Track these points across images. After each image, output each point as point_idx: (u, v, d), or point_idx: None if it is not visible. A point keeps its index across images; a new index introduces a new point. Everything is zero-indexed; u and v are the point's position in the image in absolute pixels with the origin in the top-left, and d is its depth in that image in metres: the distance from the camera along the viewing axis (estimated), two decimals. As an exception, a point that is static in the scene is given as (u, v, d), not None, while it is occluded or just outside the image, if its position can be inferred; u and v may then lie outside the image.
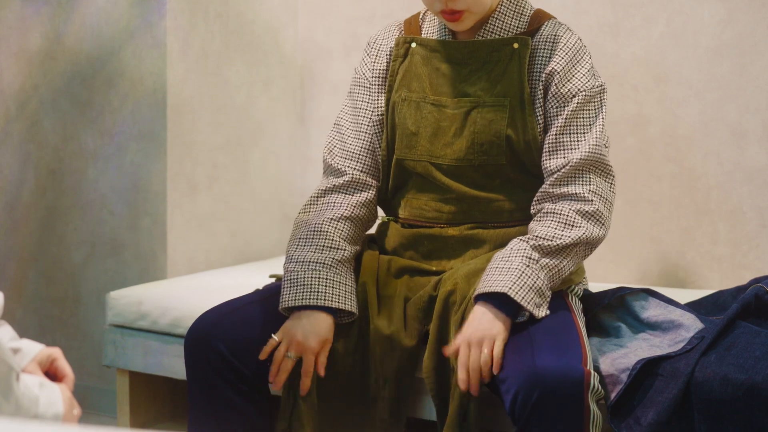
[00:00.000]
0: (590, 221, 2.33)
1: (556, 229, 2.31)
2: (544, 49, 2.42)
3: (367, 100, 2.54)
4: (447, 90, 2.44)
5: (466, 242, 2.45)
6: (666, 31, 3.17)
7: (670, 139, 3.18)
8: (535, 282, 2.26)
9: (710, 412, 2.16)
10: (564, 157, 2.36)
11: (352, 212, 2.47)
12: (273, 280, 2.68)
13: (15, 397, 1.67)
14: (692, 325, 2.34)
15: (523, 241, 2.31)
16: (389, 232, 2.53)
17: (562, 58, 2.40)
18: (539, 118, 2.40)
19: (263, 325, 2.40)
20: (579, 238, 2.31)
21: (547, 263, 2.29)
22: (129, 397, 3.06)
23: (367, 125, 2.53)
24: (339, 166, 2.51)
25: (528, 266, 2.26)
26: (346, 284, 2.37)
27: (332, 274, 2.36)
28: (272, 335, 2.34)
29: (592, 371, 2.16)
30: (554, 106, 2.40)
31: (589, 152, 2.35)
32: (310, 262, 2.37)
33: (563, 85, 2.39)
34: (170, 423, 3.19)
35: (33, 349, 1.92)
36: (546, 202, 2.37)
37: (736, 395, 2.14)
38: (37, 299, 3.60)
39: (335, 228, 2.43)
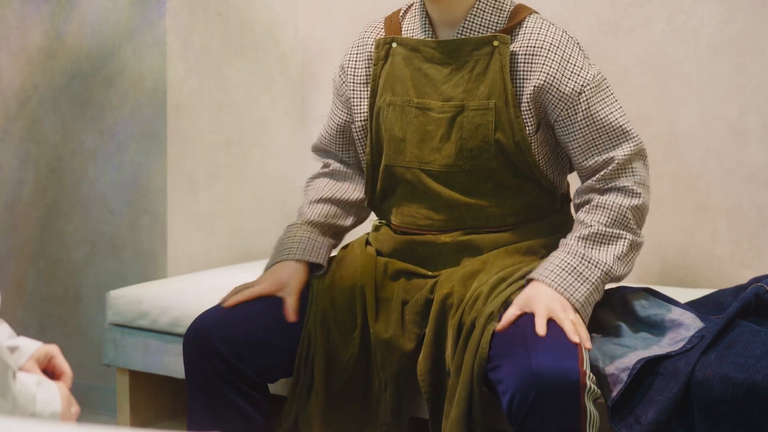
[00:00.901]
0: (639, 220, 2.39)
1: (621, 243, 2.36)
2: (529, 47, 2.37)
3: (339, 106, 2.60)
4: (430, 92, 2.41)
5: (460, 249, 2.43)
6: (666, 30, 3.17)
7: (670, 138, 3.18)
8: (596, 298, 2.32)
9: (710, 411, 2.16)
10: (604, 154, 2.37)
11: (332, 194, 2.58)
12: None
13: (12, 396, 1.67)
14: (692, 324, 2.34)
15: (606, 250, 2.34)
16: (383, 236, 2.52)
17: (554, 58, 2.36)
18: (528, 119, 2.37)
19: (263, 324, 2.40)
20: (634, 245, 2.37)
21: (613, 277, 2.34)
22: (129, 396, 3.06)
23: (336, 131, 2.60)
24: (323, 159, 2.64)
25: (602, 281, 2.32)
26: (310, 239, 2.50)
27: (300, 232, 2.51)
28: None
29: (588, 371, 2.16)
30: (563, 108, 2.36)
31: (634, 147, 2.37)
32: (285, 234, 2.54)
33: (565, 85, 2.35)
34: (170, 422, 3.19)
35: (31, 346, 1.92)
36: (594, 193, 2.40)
37: (736, 394, 2.14)
38: (37, 298, 3.60)
39: (313, 209, 2.56)
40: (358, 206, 2.61)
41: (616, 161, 2.36)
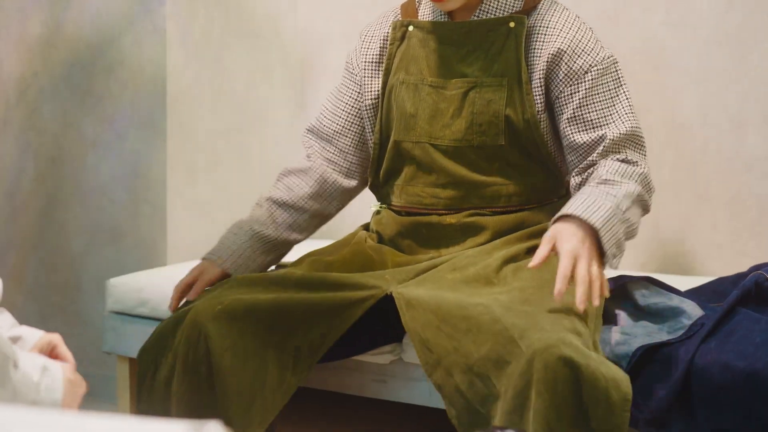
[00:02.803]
0: (646, 187, 2.35)
1: (625, 176, 2.31)
2: (542, 27, 2.41)
3: (349, 86, 2.60)
4: (444, 71, 2.44)
5: (465, 230, 2.44)
6: (665, 20, 3.17)
7: (670, 128, 3.18)
8: (617, 232, 2.23)
9: (710, 399, 2.17)
10: (594, 131, 2.37)
11: (300, 202, 2.58)
12: (272, 268, 2.68)
13: (12, 385, 1.67)
14: (693, 312, 2.34)
15: (609, 184, 2.28)
16: (385, 220, 2.53)
17: (566, 36, 2.40)
18: (538, 97, 2.40)
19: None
20: (639, 189, 2.31)
21: (626, 217, 2.25)
22: (129, 384, 3.07)
23: (343, 110, 2.59)
24: (309, 150, 2.63)
25: (614, 215, 2.22)
26: (249, 257, 2.53)
27: (247, 244, 2.54)
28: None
29: None
30: (568, 85, 2.39)
31: (629, 128, 2.37)
32: (236, 227, 2.58)
33: (574, 62, 2.38)
34: (170, 410, 3.19)
35: (33, 336, 1.93)
36: (591, 168, 2.37)
37: (736, 382, 2.14)
38: (38, 287, 3.60)
39: (272, 212, 2.58)
40: (324, 214, 2.62)
41: (609, 139, 2.35)
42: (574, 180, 2.42)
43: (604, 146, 2.36)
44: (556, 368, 2.01)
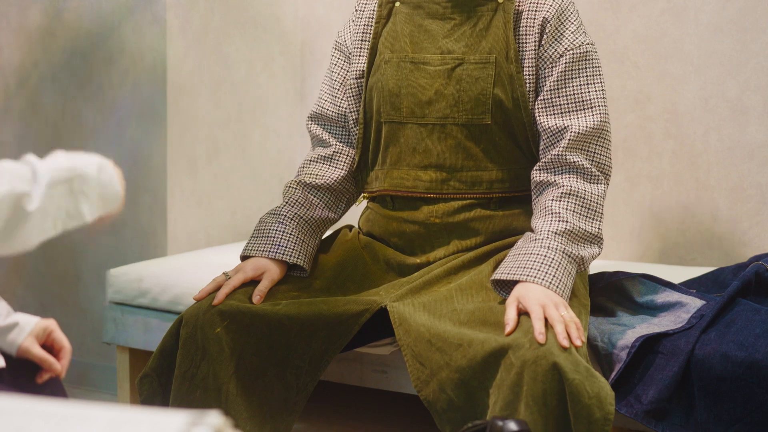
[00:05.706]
0: (602, 207, 2.34)
1: (583, 219, 2.29)
2: (532, 3, 2.39)
3: (341, 66, 2.57)
4: (428, 46, 2.43)
5: (449, 230, 2.42)
6: (667, 8, 3.16)
7: (671, 116, 3.18)
8: (569, 276, 2.24)
9: (710, 390, 2.17)
10: (561, 119, 2.34)
11: (333, 184, 2.52)
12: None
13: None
14: (692, 304, 2.34)
15: (558, 234, 2.26)
16: (372, 217, 2.52)
17: (551, 20, 2.37)
18: (528, 77, 2.38)
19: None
20: (600, 227, 2.32)
21: (577, 256, 2.27)
22: (129, 374, 3.07)
23: (339, 90, 2.56)
24: (323, 136, 2.56)
25: (565, 269, 2.23)
26: (304, 242, 2.43)
27: (295, 230, 2.43)
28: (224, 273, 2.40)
29: None
30: (543, 67, 2.37)
31: (594, 123, 2.34)
32: (278, 215, 2.45)
33: (550, 46, 2.37)
34: (171, 400, 3.19)
35: (29, 322, 1.94)
36: (553, 172, 2.34)
37: (735, 372, 2.14)
38: (38, 276, 3.60)
39: (314, 194, 2.51)
40: (351, 195, 2.58)
41: (571, 131, 2.32)
42: (536, 174, 2.37)
43: (569, 139, 2.32)
44: (545, 380, 2.02)
